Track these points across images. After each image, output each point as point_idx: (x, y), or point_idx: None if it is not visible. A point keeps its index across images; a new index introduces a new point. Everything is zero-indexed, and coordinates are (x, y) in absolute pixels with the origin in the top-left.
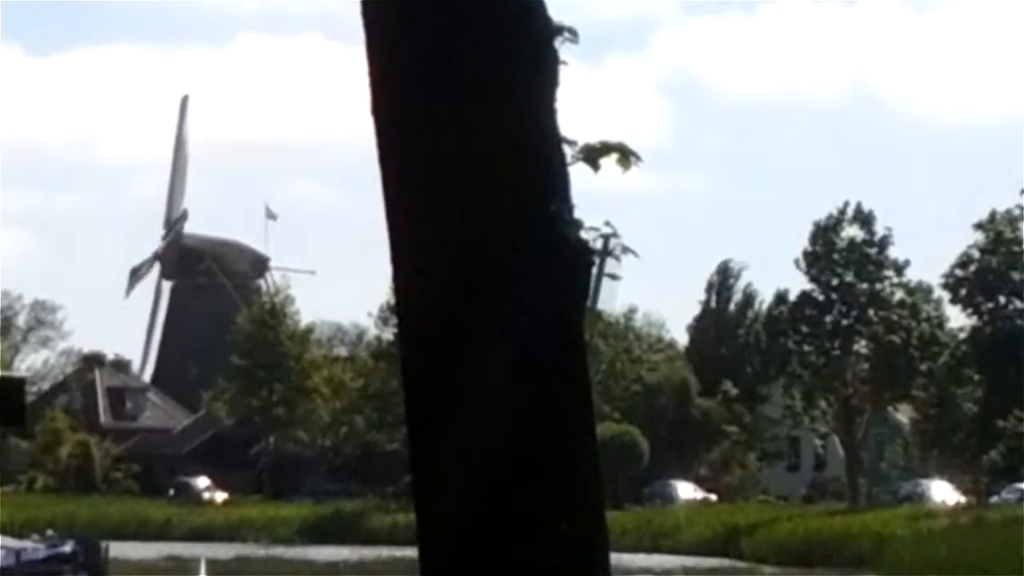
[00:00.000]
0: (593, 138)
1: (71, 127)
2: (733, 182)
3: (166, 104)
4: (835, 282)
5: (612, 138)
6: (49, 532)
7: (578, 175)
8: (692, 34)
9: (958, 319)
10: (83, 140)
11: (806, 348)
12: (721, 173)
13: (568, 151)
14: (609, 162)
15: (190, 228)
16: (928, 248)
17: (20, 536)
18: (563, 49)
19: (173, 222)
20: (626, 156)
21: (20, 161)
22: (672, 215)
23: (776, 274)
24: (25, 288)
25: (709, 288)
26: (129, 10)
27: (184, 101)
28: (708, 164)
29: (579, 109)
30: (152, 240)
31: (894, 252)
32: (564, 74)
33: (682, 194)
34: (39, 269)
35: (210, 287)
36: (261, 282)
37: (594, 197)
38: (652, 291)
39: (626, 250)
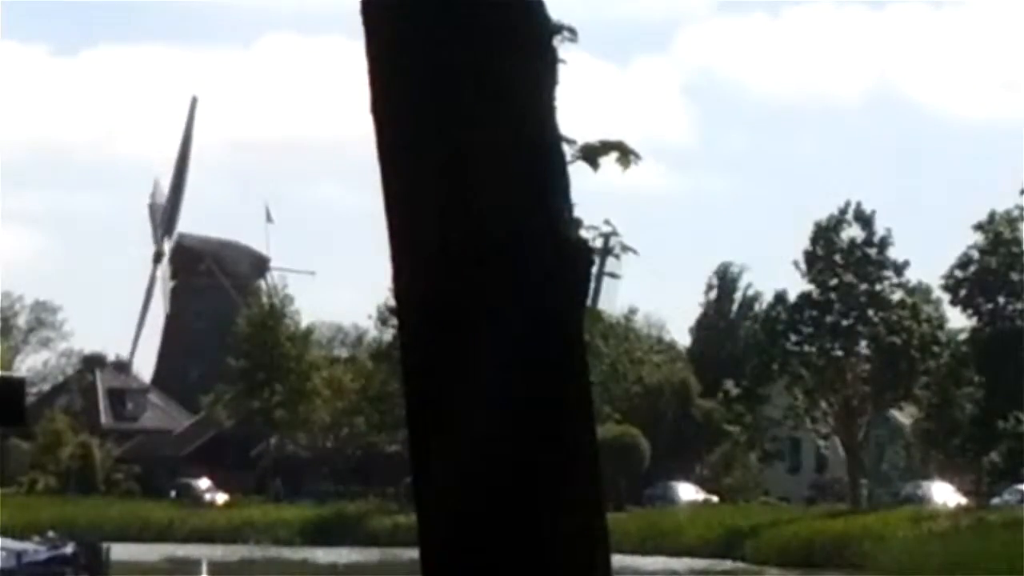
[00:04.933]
0: (619, 137)
1: (92, 126)
2: (751, 183)
3: (187, 104)
4: (835, 282)
5: (637, 138)
6: (50, 534)
7: (605, 175)
8: (717, 35)
9: (958, 320)
10: (103, 139)
11: (807, 349)
12: (740, 174)
13: (568, 150)
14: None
15: (190, 228)
16: (928, 248)
17: (21, 538)
18: (577, 49)
19: (173, 222)
20: (625, 155)
21: (40, 161)
22: (690, 215)
23: (783, 275)
24: (34, 288)
25: (708, 289)
26: (154, 10)
27: (193, 103)
28: (728, 165)
29: (605, 108)
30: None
31: (894, 253)
32: (592, 73)
33: (701, 194)
34: (50, 269)
35: (210, 287)
36: (261, 283)
37: (616, 196)
38: (656, 291)
39: (626, 248)
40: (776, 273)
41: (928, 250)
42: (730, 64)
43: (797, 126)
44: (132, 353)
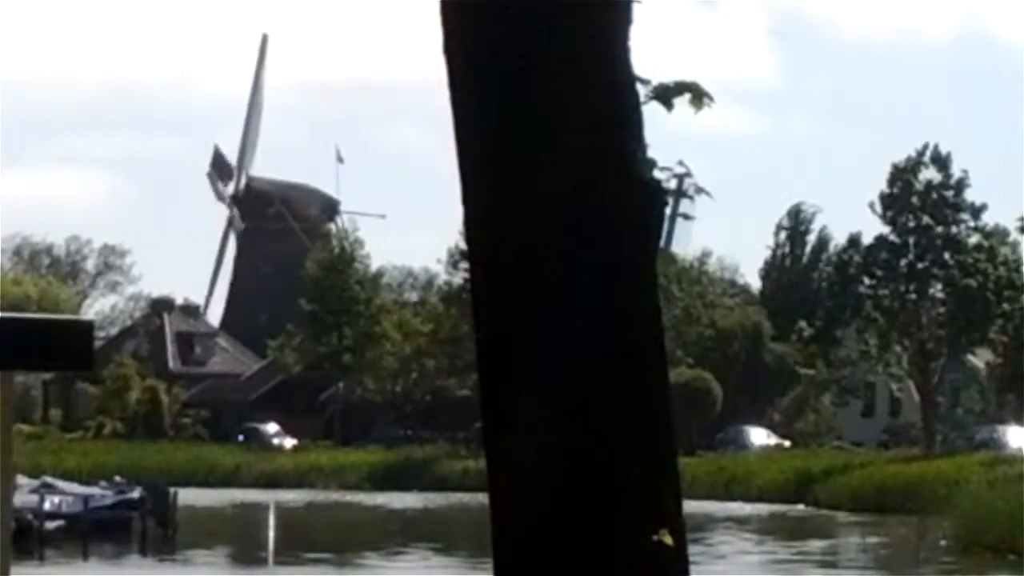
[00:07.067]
0: (707, 79)
1: (164, 69)
2: (835, 125)
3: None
4: (911, 225)
5: (723, 80)
6: (117, 478)
7: (690, 117)
8: None
9: None
10: (175, 82)
11: (881, 292)
12: (824, 116)
13: (642, 90)
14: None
15: (261, 171)
16: (1006, 191)
17: (88, 483)
18: None
19: (245, 164)
20: (698, 96)
21: (110, 103)
22: (773, 157)
23: (860, 218)
24: (103, 232)
25: (778, 231)
26: None
27: (263, 41)
28: (813, 107)
29: (693, 50)
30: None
31: (971, 195)
32: (681, 14)
33: (784, 136)
34: (119, 213)
35: (280, 231)
36: (331, 226)
37: (700, 138)
38: (731, 233)
39: (700, 190)
40: (853, 216)
41: (1006, 192)
42: (817, 4)
43: (883, 67)
44: (207, 301)
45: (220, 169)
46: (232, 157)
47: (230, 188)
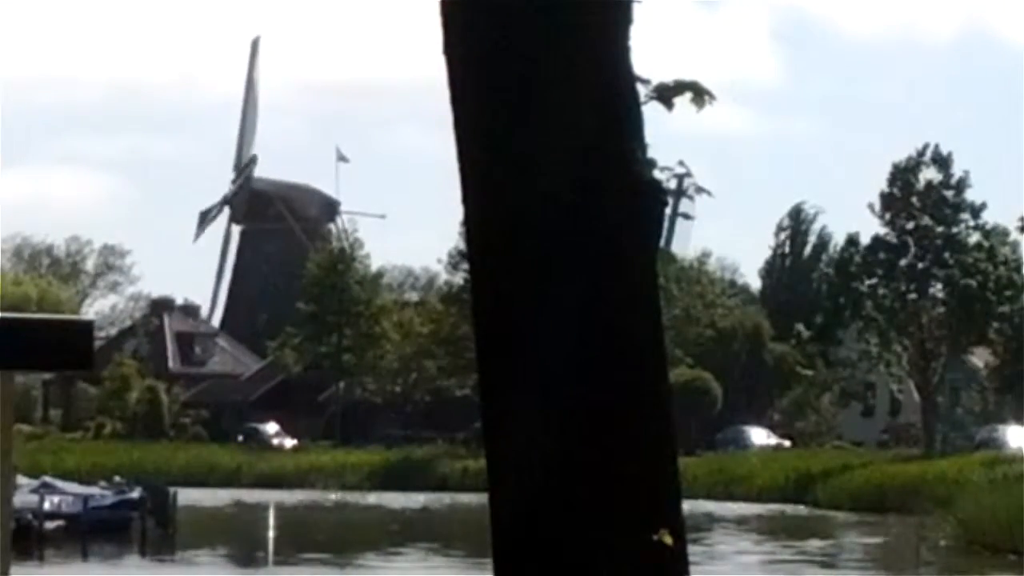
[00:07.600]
0: (708, 79)
1: (166, 69)
2: (837, 125)
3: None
4: (911, 225)
5: (726, 81)
6: (117, 478)
7: (694, 118)
8: None
9: None
10: (177, 83)
11: (881, 292)
12: (826, 116)
13: (642, 89)
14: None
15: (261, 172)
16: (1008, 189)
17: (88, 483)
18: None
19: (242, 166)
20: (700, 94)
21: (111, 104)
22: (774, 158)
23: (862, 218)
24: (103, 233)
25: (779, 231)
26: None
27: (255, 43)
28: (815, 107)
29: (696, 51)
30: (226, 184)
31: (972, 194)
32: (684, 16)
33: (786, 137)
34: (119, 213)
35: (280, 231)
36: (331, 226)
37: (703, 139)
38: (732, 234)
39: (700, 190)
40: (853, 216)
41: (1006, 192)
42: (819, 5)
43: (884, 67)
44: (213, 303)
45: (205, 220)
46: (226, 168)
47: (228, 191)
